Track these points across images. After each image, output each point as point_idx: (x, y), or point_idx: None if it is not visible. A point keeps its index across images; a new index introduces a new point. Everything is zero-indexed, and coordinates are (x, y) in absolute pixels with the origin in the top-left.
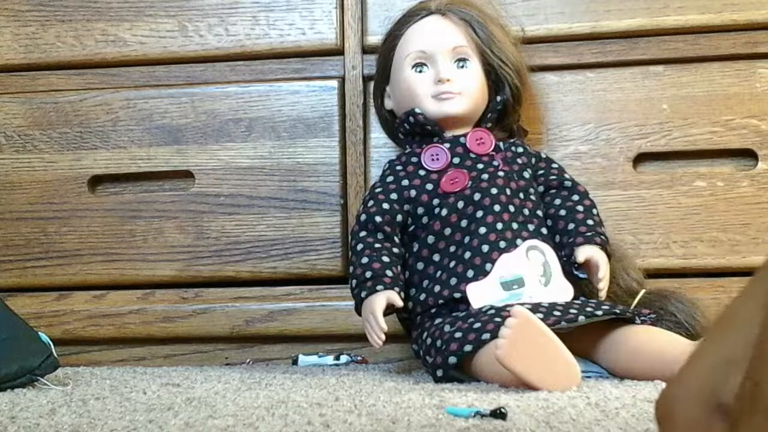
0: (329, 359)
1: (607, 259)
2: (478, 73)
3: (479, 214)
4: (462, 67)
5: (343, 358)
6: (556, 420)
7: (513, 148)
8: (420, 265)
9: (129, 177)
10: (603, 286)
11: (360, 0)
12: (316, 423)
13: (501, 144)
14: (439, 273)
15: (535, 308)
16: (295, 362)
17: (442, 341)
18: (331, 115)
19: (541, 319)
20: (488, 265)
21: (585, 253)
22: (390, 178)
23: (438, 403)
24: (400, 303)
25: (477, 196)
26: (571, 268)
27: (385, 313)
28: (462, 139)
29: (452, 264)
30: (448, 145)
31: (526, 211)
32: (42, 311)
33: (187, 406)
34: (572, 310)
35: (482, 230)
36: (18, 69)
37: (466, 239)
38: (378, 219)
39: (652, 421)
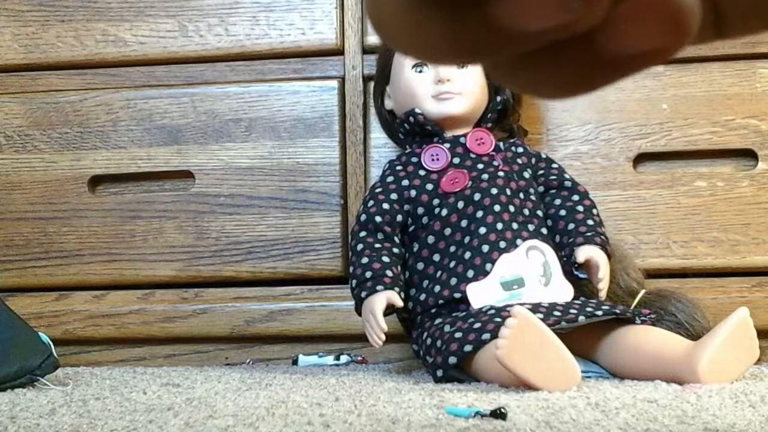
0: (329, 359)
1: (607, 259)
2: (478, 73)
3: (479, 214)
4: (462, 67)
5: (343, 358)
6: (556, 420)
7: (513, 148)
8: (420, 265)
9: (129, 177)
10: (603, 286)
11: (360, 0)
12: (316, 423)
13: (501, 144)
14: (439, 273)
15: (535, 308)
16: (295, 362)
17: (442, 341)
18: (331, 115)
19: (541, 319)
20: (488, 266)
21: (585, 253)
22: (390, 178)
23: (438, 403)
24: (400, 303)
25: (477, 196)
26: (571, 268)
27: (385, 313)
28: (462, 139)
29: (452, 264)
30: (448, 145)
31: (526, 211)
32: (42, 311)
33: (187, 406)
34: (572, 310)
35: (482, 230)
36: (18, 69)
37: (466, 239)
38: (378, 219)
39: (652, 421)
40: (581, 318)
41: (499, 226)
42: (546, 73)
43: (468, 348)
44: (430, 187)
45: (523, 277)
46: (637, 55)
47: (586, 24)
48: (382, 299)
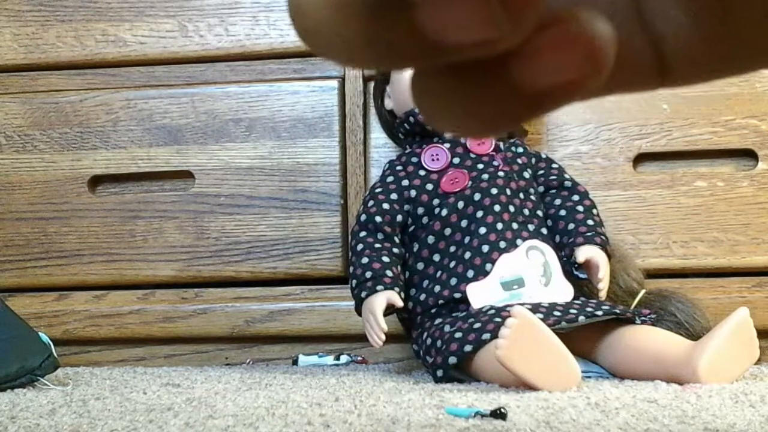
0: (329, 359)
1: (607, 259)
2: None
3: (479, 214)
4: None
5: (343, 358)
6: (556, 420)
7: (513, 148)
8: (420, 266)
9: (129, 177)
10: (603, 286)
11: None
12: (316, 423)
13: (501, 144)
14: (439, 273)
15: (535, 308)
16: (295, 362)
17: (442, 341)
18: (331, 115)
19: (541, 320)
20: (488, 266)
21: (585, 253)
22: (390, 178)
23: (438, 403)
24: (400, 303)
25: (477, 197)
26: (571, 269)
27: (385, 313)
28: (462, 139)
29: (452, 264)
30: (448, 145)
31: (527, 212)
32: (42, 311)
33: (187, 407)
34: (572, 311)
35: (482, 230)
36: (18, 69)
37: (466, 239)
38: (378, 219)
39: (652, 421)
40: (581, 318)
41: (499, 226)
42: (465, 105)
43: (468, 348)
44: (430, 187)
45: (523, 277)
46: (552, 87)
47: (508, 44)
48: (382, 299)
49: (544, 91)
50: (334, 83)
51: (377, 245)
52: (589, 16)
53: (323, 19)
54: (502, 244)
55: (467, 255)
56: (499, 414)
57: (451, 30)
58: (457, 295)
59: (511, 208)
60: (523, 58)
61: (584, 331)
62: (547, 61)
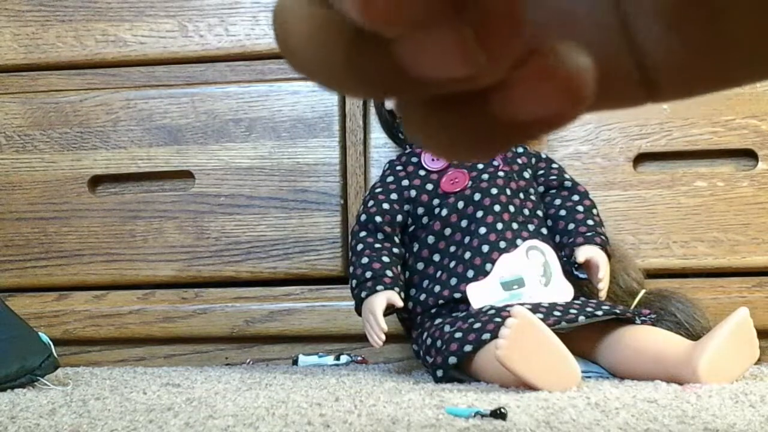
0: (329, 359)
1: (607, 259)
2: None
3: (479, 214)
4: None
5: (343, 358)
6: (556, 420)
7: (513, 148)
8: (420, 266)
9: (129, 177)
10: (603, 286)
11: None
12: (316, 423)
13: None
14: (439, 273)
15: (535, 308)
16: (295, 362)
17: (442, 341)
18: (331, 115)
19: (541, 320)
20: (488, 266)
21: (585, 253)
22: (390, 178)
23: (438, 403)
24: (400, 303)
25: (477, 196)
26: (571, 269)
27: (385, 313)
28: None
29: (452, 264)
30: None
31: (527, 212)
32: (42, 311)
33: (187, 407)
34: (572, 311)
35: (482, 230)
36: (18, 69)
37: (466, 239)
38: (378, 219)
39: (652, 421)
40: (581, 318)
41: (499, 226)
42: (449, 133)
43: (468, 348)
44: (430, 187)
45: (523, 277)
46: (532, 120)
47: (487, 80)
48: (382, 299)
49: (525, 122)
50: None
51: (377, 245)
52: (567, 49)
53: (306, 39)
54: (502, 244)
55: (467, 255)
56: (499, 414)
57: (429, 66)
58: (457, 295)
59: (511, 208)
60: (502, 92)
61: (584, 331)
62: (525, 95)
